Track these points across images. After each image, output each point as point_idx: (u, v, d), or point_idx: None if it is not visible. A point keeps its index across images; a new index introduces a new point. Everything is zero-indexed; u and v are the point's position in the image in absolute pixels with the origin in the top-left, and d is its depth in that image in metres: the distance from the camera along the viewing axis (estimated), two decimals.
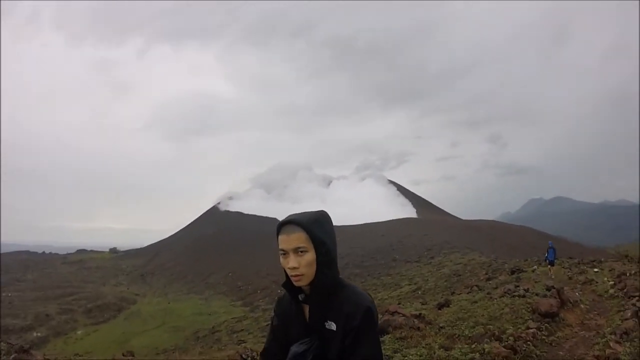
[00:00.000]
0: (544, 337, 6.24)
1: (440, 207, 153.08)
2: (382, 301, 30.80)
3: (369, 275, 51.65)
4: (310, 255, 2.45)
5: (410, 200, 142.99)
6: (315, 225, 2.46)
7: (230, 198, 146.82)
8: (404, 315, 8.05)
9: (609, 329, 7.04)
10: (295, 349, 2.50)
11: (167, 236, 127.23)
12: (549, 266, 19.77)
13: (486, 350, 5.49)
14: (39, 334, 45.79)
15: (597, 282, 14.04)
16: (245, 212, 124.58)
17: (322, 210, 2.55)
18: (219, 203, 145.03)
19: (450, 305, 10.48)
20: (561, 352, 5.85)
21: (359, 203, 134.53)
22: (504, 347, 5.53)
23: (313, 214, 2.48)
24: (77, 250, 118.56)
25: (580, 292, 12.03)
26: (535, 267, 23.75)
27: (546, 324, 7.09)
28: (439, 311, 9.89)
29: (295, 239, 2.46)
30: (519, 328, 6.62)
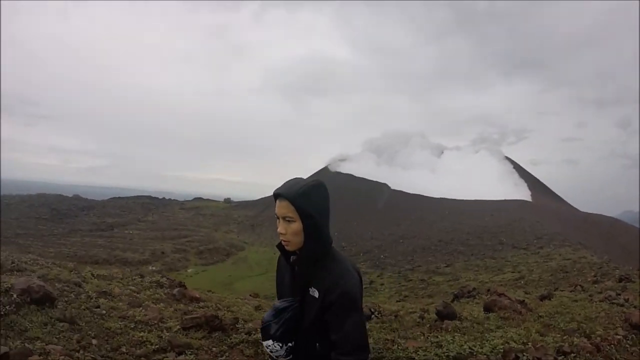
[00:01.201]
0: (627, 345, 7.46)
1: (557, 193, 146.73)
2: (483, 284, 31.32)
3: (473, 255, 52.22)
4: (297, 225, 2.58)
5: (526, 181, 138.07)
6: (302, 198, 2.57)
7: (342, 160, 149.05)
8: (509, 298, 9.70)
9: None
10: (278, 303, 2.76)
11: None
12: None
13: (574, 342, 6.95)
14: (154, 268, 49.27)
15: None
16: (356, 175, 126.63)
17: (316, 181, 2.68)
18: (329, 164, 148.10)
19: (552, 299, 11.87)
20: None
21: (470, 177, 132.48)
22: (590, 343, 6.95)
23: (303, 186, 2.60)
24: (194, 198, 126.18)
25: None
26: None
27: (633, 335, 8.27)
28: (540, 302, 11.31)
29: (284, 207, 2.58)
30: (608, 332, 7.92)
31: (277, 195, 2.61)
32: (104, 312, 7.19)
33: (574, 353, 6.55)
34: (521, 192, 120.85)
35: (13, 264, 8.67)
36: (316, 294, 2.65)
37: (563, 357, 6.45)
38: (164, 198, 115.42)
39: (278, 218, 2.63)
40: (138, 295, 8.93)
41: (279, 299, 2.87)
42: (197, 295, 9.72)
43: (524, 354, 6.21)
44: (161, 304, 8.50)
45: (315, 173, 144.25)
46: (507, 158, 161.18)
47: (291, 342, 2.74)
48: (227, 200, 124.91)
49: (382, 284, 46.47)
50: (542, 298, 12.06)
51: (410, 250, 61.13)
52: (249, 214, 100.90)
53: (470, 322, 8.52)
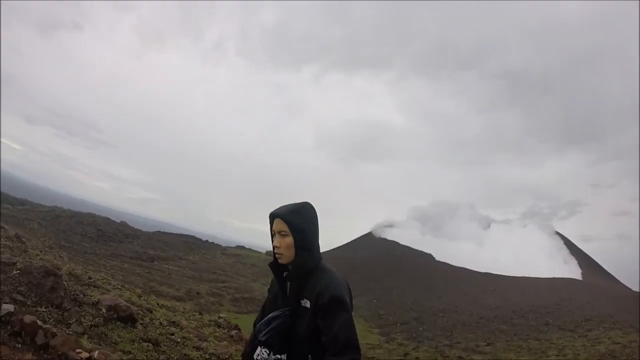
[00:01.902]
0: None
1: (610, 270, 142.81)
2: None
3: (516, 335, 50.63)
4: (290, 239, 2.94)
5: (577, 258, 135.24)
6: (293, 215, 2.96)
7: (388, 226, 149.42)
8: None
9: None
10: (272, 314, 3.02)
11: (322, 251, 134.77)
12: None
13: None
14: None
15: None
16: (401, 242, 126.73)
17: (306, 202, 3.08)
18: (374, 229, 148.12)
19: None
20: None
21: (519, 252, 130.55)
22: None
23: (294, 206, 3.02)
24: (237, 246, 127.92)
25: None
26: None
27: None
28: None
29: (279, 223, 2.97)
30: None
31: (273, 215, 2.99)
32: (179, 340, 8.18)
33: None
34: (571, 270, 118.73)
35: (90, 279, 9.76)
36: (307, 304, 2.89)
37: None
38: (207, 241, 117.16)
39: (274, 234, 2.99)
40: (201, 330, 10.00)
41: (262, 319, 3.13)
42: None
43: None
44: (224, 342, 9.53)
45: (360, 236, 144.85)
46: (558, 233, 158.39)
47: (283, 355, 2.95)
48: (269, 253, 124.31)
49: (417, 358, 44.91)
50: None
51: (449, 325, 59.65)
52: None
53: None
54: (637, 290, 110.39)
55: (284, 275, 3.09)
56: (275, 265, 3.13)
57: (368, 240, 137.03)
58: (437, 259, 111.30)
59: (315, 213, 3.05)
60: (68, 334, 6.36)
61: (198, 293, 60.19)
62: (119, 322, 7.33)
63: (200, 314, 12.07)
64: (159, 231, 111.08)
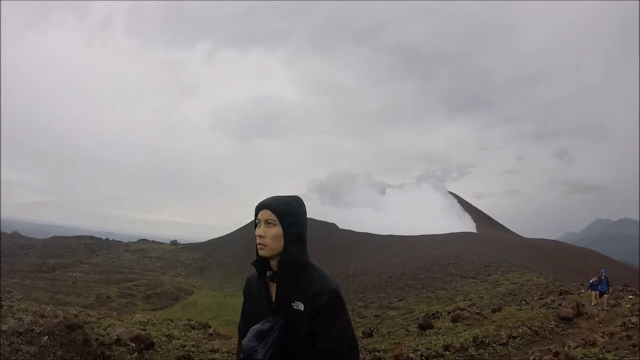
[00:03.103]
0: (558, 330, 11.01)
1: (501, 222, 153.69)
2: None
3: (424, 288, 54.32)
4: (277, 229, 2.70)
5: (470, 214, 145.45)
6: (286, 206, 2.75)
7: None
8: (469, 311, 13.38)
9: (601, 332, 11.51)
10: (259, 326, 2.70)
11: (226, 233, 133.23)
12: (599, 296, 20.00)
13: (520, 331, 10.31)
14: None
15: (621, 305, 18.85)
16: None
17: (295, 195, 2.88)
18: None
19: (502, 311, 15.62)
20: (567, 338, 10.48)
21: (416, 213, 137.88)
22: (530, 331, 10.34)
23: (284, 198, 2.81)
24: (139, 240, 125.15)
25: (606, 311, 16.67)
26: (583, 290, 27.30)
27: (562, 324, 11.83)
28: (493, 313, 15.08)
29: (267, 213, 2.73)
30: (544, 324, 11.46)
31: (262, 206, 2.76)
32: (193, 350, 9.41)
33: (519, 337, 9.89)
34: (466, 224, 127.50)
35: (18, 308, 9.97)
36: (301, 307, 2.67)
37: (512, 339, 9.76)
38: (107, 239, 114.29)
39: (258, 223, 2.75)
40: (189, 335, 11.50)
41: (246, 325, 2.90)
42: (225, 333, 12.46)
43: (487, 338, 9.49)
44: (216, 340, 11.08)
45: None
46: (451, 193, 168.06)
47: None
48: (174, 242, 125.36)
49: None
50: (494, 311, 15.96)
51: (361, 288, 63.16)
52: (196, 257, 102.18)
53: (445, 329, 11.89)
54: (527, 236, 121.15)
55: (268, 275, 2.81)
56: (258, 263, 2.85)
57: None
58: (340, 227, 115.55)
59: (305, 207, 2.88)
60: None
61: (108, 297, 58.83)
62: (149, 350, 8.10)
63: (172, 320, 13.06)
64: (55, 236, 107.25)
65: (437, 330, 11.93)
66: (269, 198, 2.79)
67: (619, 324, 12.52)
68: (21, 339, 6.70)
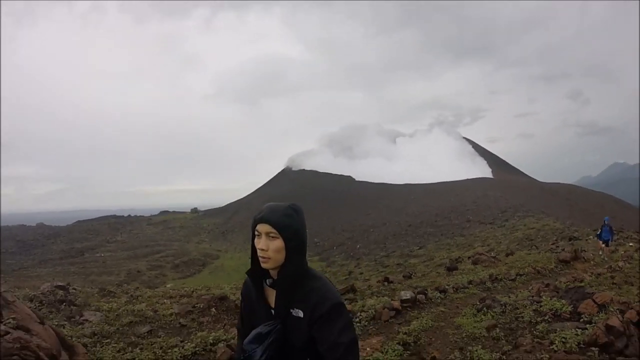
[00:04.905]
0: (557, 270, 14.79)
1: (516, 166, 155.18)
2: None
3: (443, 234, 57.14)
4: (280, 242, 2.73)
5: (486, 159, 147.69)
6: (283, 219, 2.75)
7: (303, 156, 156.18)
8: (486, 255, 17.18)
9: (590, 273, 15.07)
10: (258, 329, 2.82)
11: (244, 195, 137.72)
12: (603, 245, 21.03)
13: (526, 271, 13.96)
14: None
15: (619, 251, 22.56)
16: (320, 170, 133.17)
17: (294, 204, 2.90)
18: (288, 164, 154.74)
19: (514, 255, 19.48)
20: (562, 276, 14.05)
21: (430, 160, 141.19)
22: (534, 270, 13.98)
23: (283, 209, 2.80)
24: (160, 212, 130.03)
25: (602, 253, 20.23)
26: (591, 237, 29.52)
27: (561, 266, 15.53)
28: (506, 257, 18.98)
29: (267, 227, 2.74)
30: (545, 265, 15.14)
31: (262, 220, 2.77)
32: None
33: (525, 275, 13.49)
34: (482, 170, 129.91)
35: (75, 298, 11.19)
36: (300, 314, 2.77)
37: (519, 276, 13.39)
38: (129, 215, 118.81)
39: (259, 235, 2.78)
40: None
41: (244, 327, 3.06)
42: None
43: (500, 275, 13.14)
44: None
45: (280, 172, 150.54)
46: (465, 138, 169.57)
47: None
48: (194, 210, 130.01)
49: (361, 273, 48.38)
50: (507, 255, 19.99)
51: (382, 238, 66.35)
52: (217, 222, 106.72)
53: (467, 270, 15.65)
54: (543, 181, 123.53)
55: (268, 282, 2.90)
56: (254, 272, 2.93)
57: (288, 174, 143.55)
58: (357, 179, 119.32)
59: (303, 216, 2.93)
60: None
61: (139, 271, 62.02)
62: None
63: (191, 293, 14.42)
64: (78, 221, 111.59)
65: (461, 272, 16.03)
66: (266, 209, 2.81)
67: (606, 266, 16.14)
68: (196, 315, 10.07)
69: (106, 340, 7.45)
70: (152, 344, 7.39)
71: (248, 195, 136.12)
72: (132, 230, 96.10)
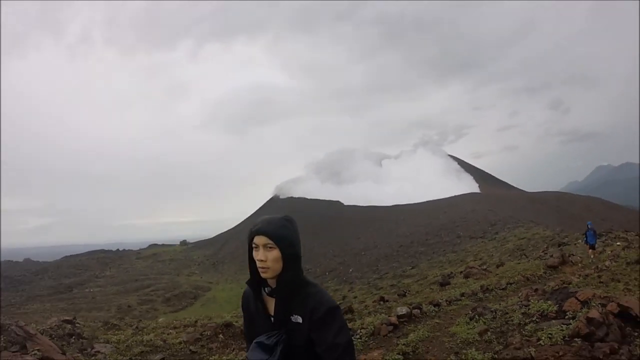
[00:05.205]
0: (545, 276, 15.37)
1: (503, 179, 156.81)
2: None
3: (434, 252, 56.96)
4: (277, 252, 2.93)
5: (472, 175, 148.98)
6: (279, 230, 2.94)
7: (292, 183, 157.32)
8: (477, 268, 17.81)
9: (578, 275, 15.64)
10: (263, 340, 2.97)
11: (234, 225, 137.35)
12: (590, 249, 21.58)
13: (515, 279, 14.49)
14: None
15: (606, 251, 22.92)
16: (308, 197, 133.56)
17: (286, 215, 3.07)
18: (276, 192, 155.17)
19: (504, 266, 20.07)
20: (551, 281, 14.61)
21: (417, 180, 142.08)
22: (523, 277, 14.53)
23: (278, 221, 2.98)
24: (149, 245, 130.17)
25: (592, 257, 20.76)
26: (580, 241, 30.03)
27: (549, 271, 16.12)
28: (497, 268, 19.62)
29: (264, 239, 2.94)
30: (534, 272, 15.71)
31: (259, 232, 2.95)
32: None
33: (515, 283, 14.03)
34: (469, 185, 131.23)
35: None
36: (299, 320, 2.95)
37: (509, 285, 13.92)
38: (117, 250, 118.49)
39: (256, 247, 2.95)
40: None
41: (250, 339, 3.17)
42: None
43: (491, 286, 13.69)
44: None
45: (268, 200, 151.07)
46: (450, 155, 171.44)
47: None
48: (183, 242, 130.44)
49: (355, 297, 47.55)
50: (498, 266, 20.55)
51: (374, 261, 66.34)
52: (207, 253, 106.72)
53: (459, 284, 16.18)
54: (532, 190, 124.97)
55: (267, 291, 3.06)
56: (253, 282, 3.10)
57: (276, 202, 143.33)
58: (345, 204, 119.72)
59: (297, 226, 3.10)
60: None
61: (129, 306, 61.42)
62: None
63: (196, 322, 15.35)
64: (66, 256, 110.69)
65: (453, 286, 16.72)
66: (262, 222, 2.97)
67: (593, 267, 16.67)
68: (204, 342, 10.66)
69: None
70: None
71: (237, 225, 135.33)
72: (122, 265, 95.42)
